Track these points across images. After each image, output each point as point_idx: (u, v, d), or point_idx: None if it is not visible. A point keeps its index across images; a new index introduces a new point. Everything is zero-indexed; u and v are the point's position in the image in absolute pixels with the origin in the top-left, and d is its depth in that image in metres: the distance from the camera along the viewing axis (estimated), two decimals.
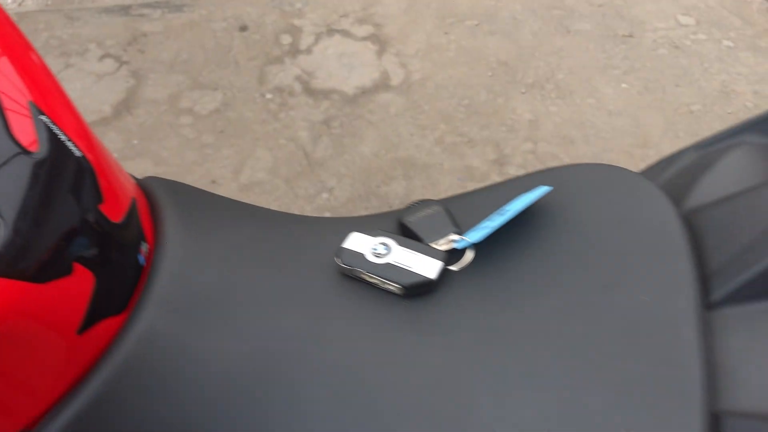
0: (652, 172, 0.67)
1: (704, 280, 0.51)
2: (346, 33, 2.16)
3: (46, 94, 0.49)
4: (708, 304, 0.49)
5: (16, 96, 0.45)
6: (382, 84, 1.99)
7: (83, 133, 0.52)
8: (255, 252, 0.53)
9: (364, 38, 2.14)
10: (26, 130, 0.44)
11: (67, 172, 0.46)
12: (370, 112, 1.91)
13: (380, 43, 2.12)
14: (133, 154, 1.78)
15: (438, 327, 0.48)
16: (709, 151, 0.63)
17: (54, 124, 0.47)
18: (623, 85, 2.03)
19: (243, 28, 2.15)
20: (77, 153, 0.48)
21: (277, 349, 0.48)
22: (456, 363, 0.46)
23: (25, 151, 0.43)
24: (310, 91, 1.96)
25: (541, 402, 0.43)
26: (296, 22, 2.19)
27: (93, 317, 0.46)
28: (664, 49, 2.16)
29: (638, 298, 0.47)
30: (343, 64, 2.05)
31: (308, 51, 2.09)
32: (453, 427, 0.43)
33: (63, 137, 0.48)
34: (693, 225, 0.54)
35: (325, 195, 1.73)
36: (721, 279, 0.50)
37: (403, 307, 0.50)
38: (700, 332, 0.46)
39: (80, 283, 0.45)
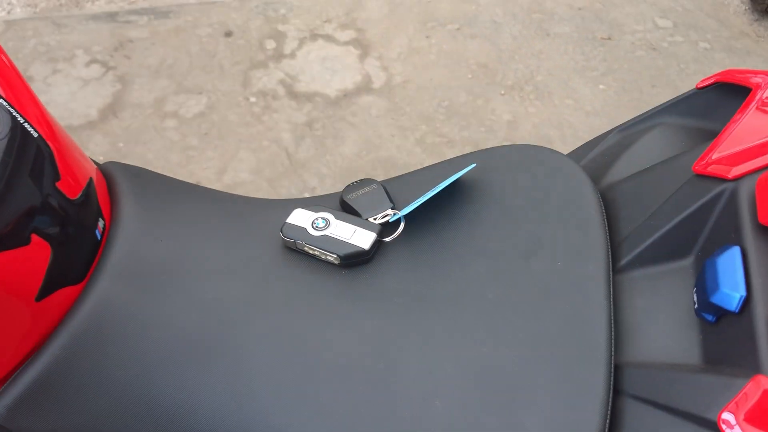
0: (577, 152, 0.71)
1: (615, 246, 0.54)
2: (329, 37, 2.20)
3: (6, 81, 0.53)
4: (617, 268, 0.52)
5: None
6: (364, 87, 2.03)
7: (42, 116, 0.55)
8: (205, 228, 0.56)
9: (347, 42, 2.18)
10: None
11: (25, 151, 0.50)
12: (352, 114, 1.95)
13: (362, 47, 2.17)
14: (118, 157, 1.82)
15: (371, 293, 0.51)
16: (630, 132, 0.67)
17: (12, 107, 0.51)
18: (601, 86, 2.07)
19: (228, 34, 2.19)
20: (35, 134, 0.51)
21: (224, 315, 0.51)
22: (386, 325, 0.49)
23: None
24: (293, 94, 2.00)
25: (461, 358, 0.47)
26: (280, 27, 2.23)
27: (50, 286, 0.50)
28: (642, 50, 2.20)
29: (554, 264, 0.51)
30: (326, 68, 2.09)
31: (292, 55, 2.13)
32: (382, 382, 0.47)
33: (21, 119, 0.51)
34: (608, 198, 0.58)
35: (307, 194, 1.76)
36: (629, 245, 0.53)
37: (341, 276, 0.53)
38: (608, 294, 0.49)
39: (37, 253, 0.49)
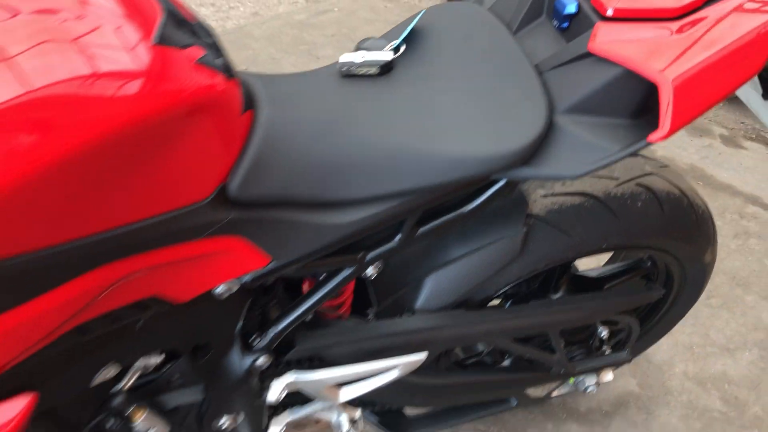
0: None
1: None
2: None
3: None
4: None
5: None
6: None
7: None
8: (304, 81, 0.85)
9: None
10: None
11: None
12: None
13: None
14: None
15: (397, 81, 0.84)
16: None
17: None
18: None
19: None
20: None
21: (342, 107, 0.80)
22: (411, 91, 0.83)
23: None
24: None
25: (450, 101, 0.82)
26: None
27: (245, 105, 0.73)
28: None
29: (493, 66, 0.87)
30: None
31: None
32: (420, 113, 0.81)
33: None
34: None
35: None
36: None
37: (379, 79, 0.85)
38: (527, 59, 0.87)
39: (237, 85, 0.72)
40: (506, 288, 1.10)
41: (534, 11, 0.91)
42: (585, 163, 0.79)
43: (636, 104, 0.80)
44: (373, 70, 0.84)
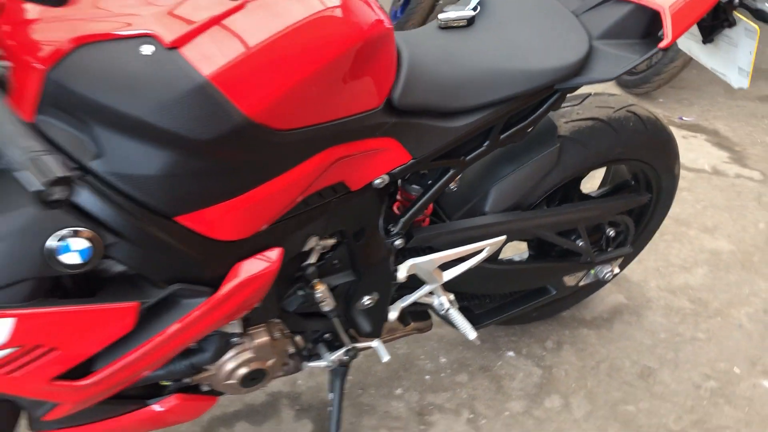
0: None
1: None
2: None
3: None
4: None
5: None
6: None
7: None
8: (416, 34, 1.20)
9: None
10: None
11: None
12: None
13: None
14: None
15: (478, 30, 1.21)
16: None
17: None
18: None
19: None
20: None
21: (441, 48, 1.17)
22: (488, 36, 1.21)
23: None
24: None
25: (522, 38, 1.22)
26: None
27: None
28: None
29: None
30: None
31: None
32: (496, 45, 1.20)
33: None
34: None
35: None
36: None
37: (467, 28, 1.23)
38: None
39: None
40: (544, 195, 1.47)
41: None
42: (618, 68, 1.18)
43: (644, 28, 1.21)
44: (463, 23, 1.22)
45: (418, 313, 1.48)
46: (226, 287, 0.97)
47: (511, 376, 1.72)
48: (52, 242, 0.82)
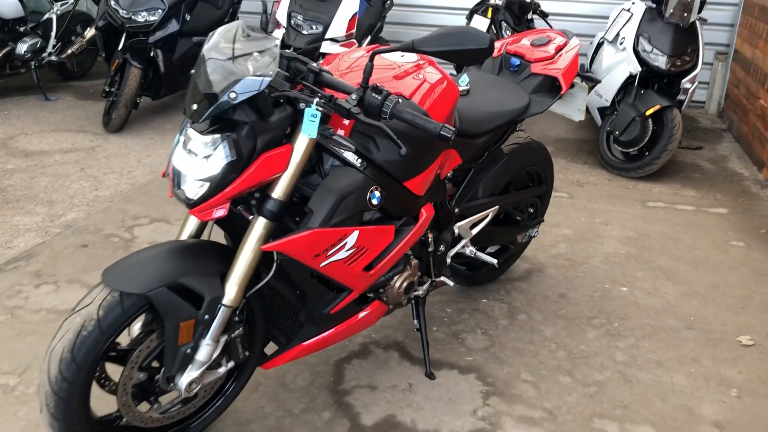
0: None
1: None
2: None
3: None
4: None
5: None
6: None
7: None
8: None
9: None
10: None
11: None
12: None
13: None
14: None
15: (473, 94, 2.35)
16: None
17: None
18: None
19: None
20: None
21: (462, 101, 2.26)
22: (481, 97, 2.35)
23: None
24: None
25: (497, 96, 2.36)
26: None
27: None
28: None
29: None
30: None
31: None
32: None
33: None
34: None
35: None
36: None
37: (468, 95, 2.37)
38: None
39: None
40: (501, 188, 2.59)
41: (501, 67, 2.52)
42: (544, 106, 2.38)
43: (551, 86, 2.44)
44: (466, 92, 2.34)
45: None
46: (420, 220, 1.93)
47: (492, 309, 2.76)
48: (369, 194, 1.74)
